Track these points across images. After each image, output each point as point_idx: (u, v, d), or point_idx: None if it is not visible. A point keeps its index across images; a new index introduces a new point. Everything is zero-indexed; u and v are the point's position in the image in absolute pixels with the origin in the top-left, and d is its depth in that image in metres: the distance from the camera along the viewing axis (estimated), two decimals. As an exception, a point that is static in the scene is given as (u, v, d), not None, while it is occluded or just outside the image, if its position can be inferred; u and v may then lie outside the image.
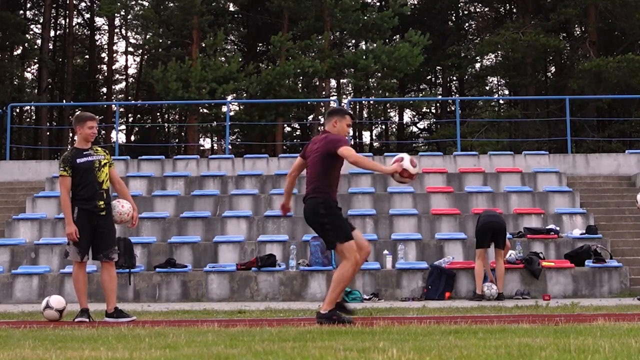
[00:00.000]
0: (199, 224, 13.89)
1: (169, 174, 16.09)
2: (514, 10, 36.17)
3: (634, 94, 26.29)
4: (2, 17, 29.79)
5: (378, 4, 33.36)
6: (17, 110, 35.97)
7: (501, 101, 38.82)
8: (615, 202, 15.01)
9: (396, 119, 39.30)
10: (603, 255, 12.42)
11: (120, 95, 41.59)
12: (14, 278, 12.39)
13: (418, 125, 42.09)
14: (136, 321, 7.32)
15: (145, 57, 37.24)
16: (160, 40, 28.64)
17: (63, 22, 38.44)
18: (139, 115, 40.48)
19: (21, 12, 35.24)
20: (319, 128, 6.29)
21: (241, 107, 29.15)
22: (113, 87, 39.70)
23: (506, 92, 38.89)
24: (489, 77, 38.81)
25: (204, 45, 27.64)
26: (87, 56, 39.82)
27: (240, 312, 8.47)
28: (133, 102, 38.85)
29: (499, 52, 32.54)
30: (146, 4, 30.02)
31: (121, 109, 37.96)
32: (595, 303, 9.46)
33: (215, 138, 37.20)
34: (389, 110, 39.69)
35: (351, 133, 28.77)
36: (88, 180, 7.51)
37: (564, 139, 19.95)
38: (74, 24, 37.10)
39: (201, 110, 27.78)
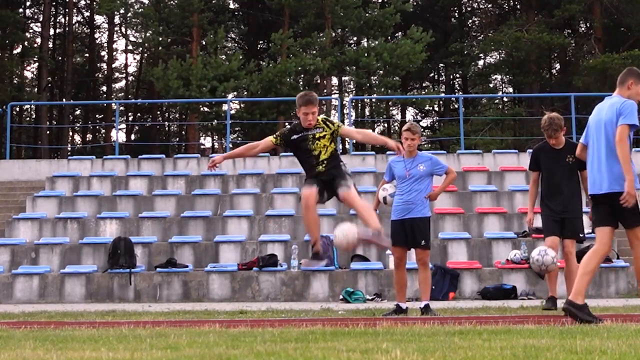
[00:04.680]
0: (200, 223, 13.82)
1: (169, 173, 16.02)
2: (518, 6, 36.07)
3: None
4: (2, 15, 29.78)
5: (380, 0, 33.27)
6: (17, 109, 35.98)
7: (505, 99, 38.77)
8: (619, 200, 14.91)
9: (399, 117, 39.19)
10: (610, 255, 12.31)
11: (120, 94, 41.58)
12: (14, 278, 12.34)
13: (421, 123, 42.01)
14: (137, 322, 7.26)
15: (145, 55, 37.21)
16: (160, 39, 28.61)
17: (63, 20, 38.47)
18: (139, 114, 40.43)
19: (21, 10, 35.23)
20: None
21: (242, 106, 29.10)
22: (113, 85, 39.70)
23: (510, 89, 38.79)
24: (492, 75, 38.73)
25: (204, 43, 27.58)
26: (87, 54, 39.82)
27: (241, 313, 8.42)
28: (133, 100, 38.83)
29: (503, 49, 32.45)
30: (146, 1, 30.05)
31: (121, 108, 37.93)
32: (602, 304, 9.36)
33: (216, 137, 37.17)
34: (391, 109, 39.54)
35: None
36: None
37: (569, 137, 19.84)
38: (73, 22, 37.11)
39: (202, 108, 27.74)
